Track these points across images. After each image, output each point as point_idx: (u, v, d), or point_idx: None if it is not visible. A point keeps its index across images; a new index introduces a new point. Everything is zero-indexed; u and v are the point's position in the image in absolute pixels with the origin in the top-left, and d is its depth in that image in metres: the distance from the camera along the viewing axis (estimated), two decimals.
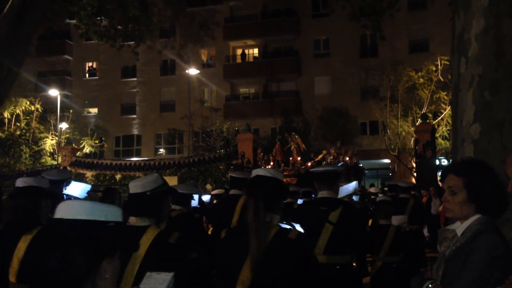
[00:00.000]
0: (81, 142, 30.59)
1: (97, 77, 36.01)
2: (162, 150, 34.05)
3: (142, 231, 2.67)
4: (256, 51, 34.41)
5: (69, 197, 5.24)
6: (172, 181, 15.89)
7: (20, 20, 8.66)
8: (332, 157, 17.58)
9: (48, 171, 5.57)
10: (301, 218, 3.83)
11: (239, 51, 34.36)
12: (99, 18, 12.64)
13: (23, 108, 29.49)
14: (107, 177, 21.20)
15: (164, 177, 3.75)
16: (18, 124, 29.76)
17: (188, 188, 5.14)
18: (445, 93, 23.45)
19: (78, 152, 25.64)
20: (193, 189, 5.28)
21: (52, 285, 1.42)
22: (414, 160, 21.90)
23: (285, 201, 6.69)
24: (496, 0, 3.56)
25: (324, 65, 31.48)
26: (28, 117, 30.08)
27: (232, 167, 17.83)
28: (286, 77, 32.58)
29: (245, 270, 2.60)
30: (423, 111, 23.84)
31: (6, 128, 29.29)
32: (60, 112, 29.96)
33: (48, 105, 31.07)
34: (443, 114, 24.01)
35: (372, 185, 17.01)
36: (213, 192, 9.27)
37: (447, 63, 21.35)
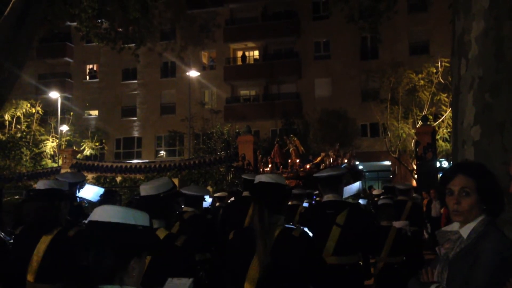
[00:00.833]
0: (81, 144, 30.60)
1: (97, 80, 36.05)
2: (162, 152, 34.06)
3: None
4: (256, 53, 34.44)
5: (82, 200, 5.38)
6: None
7: (21, 22, 8.68)
8: (331, 160, 17.56)
9: (62, 174, 5.81)
10: (309, 222, 4.00)
11: (239, 53, 34.39)
12: (99, 21, 12.65)
13: (24, 110, 29.48)
14: (108, 180, 21.18)
15: None
16: (19, 127, 29.76)
17: (199, 190, 5.21)
18: (445, 95, 23.43)
19: (79, 155, 25.64)
20: (204, 190, 5.35)
21: (84, 280, 1.58)
22: (415, 162, 21.88)
23: (290, 204, 6.78)
24: (496, 2, 3.56)
25: (324, 67, 31.50)
26: (28, 120, 30.07)
27: (232, 169, 17.82)
28: (287, 79, 32.60)
29: (253, 269, 2.75)
30: (424, 113, 23.82)
31: (6, 131, 29.29)
32: (60, 115, 29.97)
33: (49, 108, 31.09)
34: (443, 116, 23.99)
35: (370, 187, 17.00)
36: (216, 195, 9.26)
37: (447, 65, 21.35)
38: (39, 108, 30.30)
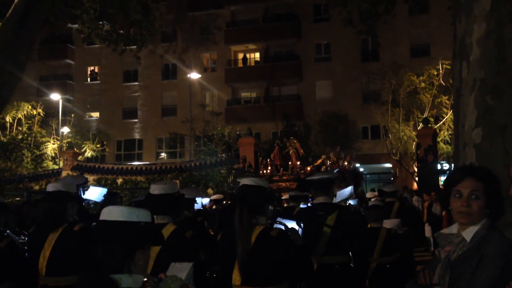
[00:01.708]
0: (82, 146, 30.58)
1: (98, 81, 36.08)
2: (163, 154, 34.05)
3: (162, 227, 3.09)
4: (257, 55, 34.46)
5: (87, 201, 5.81)
6: None
7: (22, 24, 8.69)
8: (331, 162, 17.56)
9: (64, 178, 6.40)
10: (302, 221, 4.17)
11: (240, 55, 34.41)
12: (101, 22, 12.66)
13: (25, 112, 29.49)
14: (109, 181, 21.17)
15: None
16: (20, 128, 29.77)
17: (191, 192, 5.29)
18: (446, 97, 23.41)
19: (80, 157, 25.61)
20: (196, 193, 5.40)
21: (98, 270, 1.82)
22: (416, 165, 21.88)
23: (287, 205, 6.86)
24: (497, 5, 3.56)
25: (325, 69, 31.50)
26: (30, 121, 30.07)
27: (233, 171, 17.82)
28: (288, 81, 32.61)
29: (237, 268, 2.97)
30: (425, 115, 23.82)
31: (8, 132, 29.31)
32: (61, 116, 29.97)
33: (50, 109, 31.11)
34: (444, 119, 23.96)
35: (372, 190, 17.00)
36: (212, 197, 9.24)
37: (448, 67, 21.33)
38: (40, 110, 30.31)
